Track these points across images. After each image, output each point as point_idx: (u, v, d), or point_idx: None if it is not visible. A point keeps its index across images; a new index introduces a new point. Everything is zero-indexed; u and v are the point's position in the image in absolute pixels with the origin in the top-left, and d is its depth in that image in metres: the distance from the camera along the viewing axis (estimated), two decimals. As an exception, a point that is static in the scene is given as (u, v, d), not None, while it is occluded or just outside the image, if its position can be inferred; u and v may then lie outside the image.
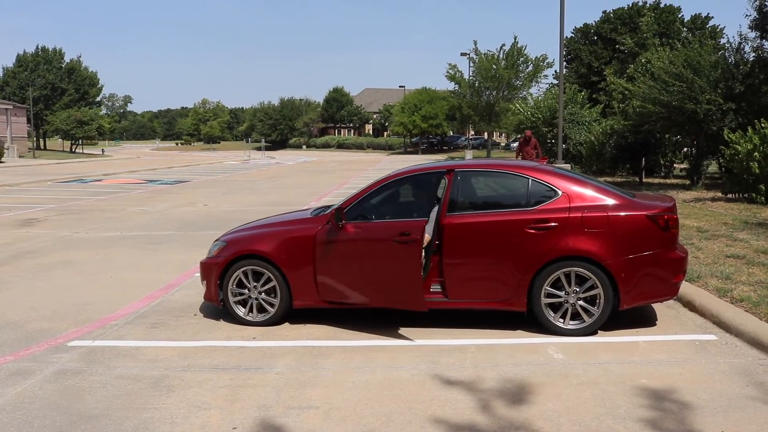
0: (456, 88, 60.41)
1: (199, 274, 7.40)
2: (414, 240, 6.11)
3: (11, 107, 63.35)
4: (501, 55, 54.82)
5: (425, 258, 6.54)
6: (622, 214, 6.32)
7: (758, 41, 21.34)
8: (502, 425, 4.43)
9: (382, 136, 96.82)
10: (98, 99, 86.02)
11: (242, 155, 69.03)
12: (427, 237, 6.53)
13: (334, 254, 6.56)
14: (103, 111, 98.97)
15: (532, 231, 6.29)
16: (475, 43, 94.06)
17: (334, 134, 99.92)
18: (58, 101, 76.30)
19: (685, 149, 26.17)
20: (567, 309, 6.31)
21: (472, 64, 55.68)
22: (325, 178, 30.75)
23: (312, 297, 6.71)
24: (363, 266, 6.44)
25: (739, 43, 21.73)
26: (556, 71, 61.83)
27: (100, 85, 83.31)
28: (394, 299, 6.37)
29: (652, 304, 7.10)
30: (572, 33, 59.50)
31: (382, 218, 6.70)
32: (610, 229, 6.24)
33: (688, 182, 22.52)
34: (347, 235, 6.53)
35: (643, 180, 24.21)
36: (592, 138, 27.72)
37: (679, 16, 53.29)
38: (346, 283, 6.56)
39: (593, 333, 6.32)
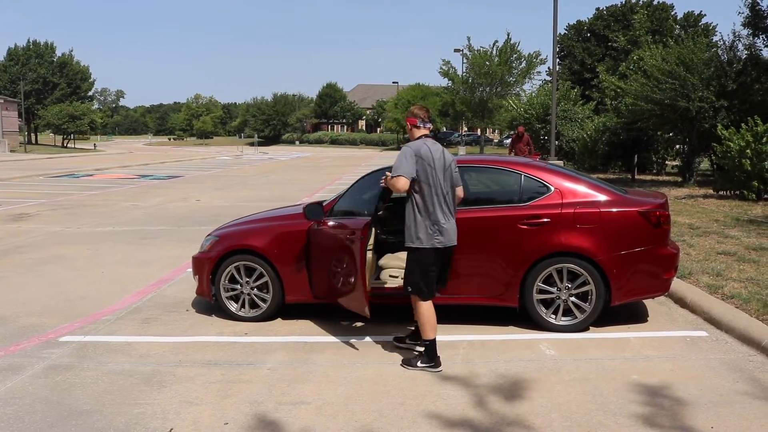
0: (449, 85, 60.31)
1: (191, 270, 7.39)
2: (359, 239, 5.85)
3: (2, 101, 63.08)
4: (494, 52, 54.73)
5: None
6: (614, 210, 6.34)
7: (751, 39, 21.42)
8: (494, 421, 4.43)
9: (375, 132, 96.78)
10: (90, 93, 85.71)
11: (235, 150, 68.93)
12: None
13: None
14: (95, 106, 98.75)
15: (525, 227, 6.30)
16: (469, 39, 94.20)
17: (327, 130, 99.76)
18: (50, 95, 75.97)
19: (677, 146, 26.26)
20: (559, 305, 6.33)
21: (465, 61, 55.57)
22: (317, 174, 30.72)
23: (304, 292, 6.70)
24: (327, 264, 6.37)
25: (732, 41, 21.79)
26: (549, 68, 62.00)
27: (92, 80, 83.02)
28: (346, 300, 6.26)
29: (644, 301, 7.12)
30: (565, 30, 59.61)
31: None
32: (602, 225, 6.25)
33: (680, 179, 22.60)
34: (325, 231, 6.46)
35: (636, 177, 24.28)
36: (585, 135, 27.78)
37: (672, 13, 53.48)
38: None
39: (585, 329, 6.33)
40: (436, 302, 6.59)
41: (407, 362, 5.50)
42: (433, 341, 5.43)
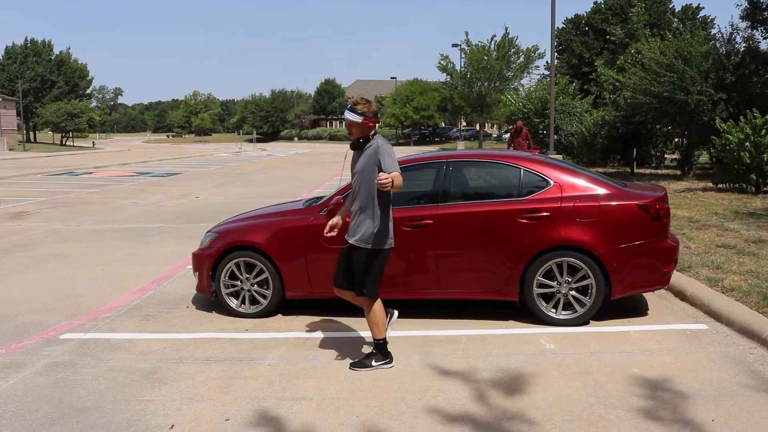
0: (448, 80, 60.33)
1: (191, 266, 7.39)
2: (428, 224, 6.35)
3: (0, 100, 63.01)
4: (492, 46, 54.79)
5: None
6: (614, 203, 6.34)
7: (749, 31, 21.44)
8: (495, 415, 4.44)
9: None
10: (88, 91, 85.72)
11: (234, 147, 68.84)
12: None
13: (328, 247, 6.55)
14: (94, 103, 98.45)
15: (524, 221, 6.30)
16: (467, 34, 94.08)
17: (326, 126, 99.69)
18: (48, 93, 75.90)
19: (676, 140, 26.27)
20: (559, 299, 6.33)
21: (463, 55, 55.59)
22: (316, 170, 30.68)
23: (304, 288, 6.70)
24: None
25: (731, 34, 21.79)
26: (547, 62, 61.91)
27: (90, 78, 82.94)
28: (411, 286, 6.50)
29: (644, 294, 7.13)
30: (563, 24, 59.45)
31: None
32: (601, 219, 6.25)
33: (679, 172, 22.61)
34: (345, 224, 6.49)
35: (635, 170, 24.28)
36: (584, 129, 27.78)
37: (670, 6, 53.29)
38: None
39: (585, 323, 6.34)
40: (435, 296, 6.63)
41: (360, 364, 5.34)
42: (385, 338, 5.38)
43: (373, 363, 5.33)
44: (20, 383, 5.12)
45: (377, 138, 5.24)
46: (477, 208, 6.46)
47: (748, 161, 15.90)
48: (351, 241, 5.25)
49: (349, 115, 5.19)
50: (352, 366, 5.35)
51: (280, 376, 5.20)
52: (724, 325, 6.21)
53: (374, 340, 5.38)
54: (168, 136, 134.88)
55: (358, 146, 5.27)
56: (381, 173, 4.95)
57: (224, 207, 15.74)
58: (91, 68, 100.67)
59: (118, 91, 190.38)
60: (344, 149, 53.63)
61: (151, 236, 11.90)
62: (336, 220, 5.49)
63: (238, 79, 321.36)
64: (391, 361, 5.38)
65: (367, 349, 5.69)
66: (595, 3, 57.88)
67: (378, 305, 5.32)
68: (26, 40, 77.91)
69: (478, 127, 69.17)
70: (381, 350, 5.38)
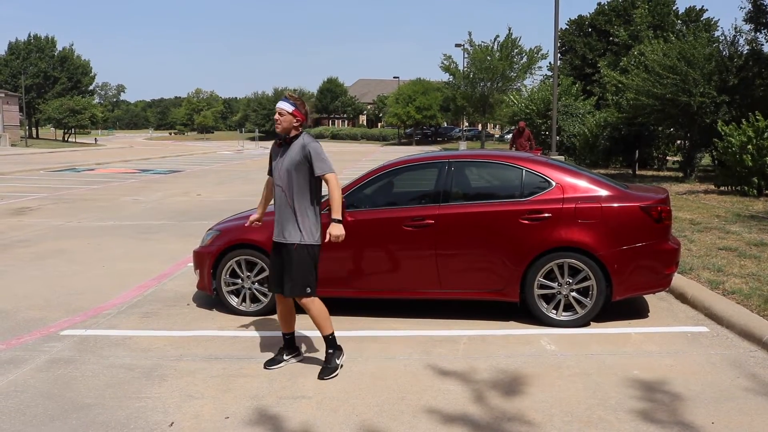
0: (450, 80, 60.26)
1: (192, 264, 7.39)
2: (429, 224, 6.36)
3: (3, 96, 63.08)
4: (495, 47, 54.72)
5: None
6: (616, 205, 6.33)
7: (753, 34, 21.41)
8: (494, 416, 4.44)
9: (376, 127, 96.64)
10: (91, 88, 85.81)
11: (236, 145, 68.87)
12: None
13: (329, 243, 6.55)
14: (96, 100, 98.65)
15: (526, 222, 6.30)
16: (470, 34, 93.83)
17: (328, 125, 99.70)
18: (51, 90, 75.96)
19: (679, 142, 26.25)
20: (560, 300, 6.33)
21: (466, 56, 55.50)
22: (318, 169, 30.60)
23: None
24: (369, 254, 6.53)
25: (734, 36, 21.77)
26: (550, 63, 61.85)
27: (92, 74, 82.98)
28: (412, 286, 6.51)
29: (645, 296, 7.13)
30: (567, 25, 59.44)
31: (375, 208, 6.66)
32: (603, 220, 6.25)
33: (681, 175, 22.57)
34: (346, 224, 6.50)
35: (637, 172, 24.27)
36: (586, 130, 27.77)
37: (674, 8, 53.25)
38: (343, 272, 6.56)
39: (586, 324, 6.34)
40: (435, 296, 6.62)
41: (328, 371, 5.15)
42: (333, 332, 5.30)
43: (338, 361, 5.24)
44: (21, 379, 5.12)
45: (304, 135, 5.22)
46: (479, 209, 6.46)
47: (750, 164, 15.88)
48: (290, 241, 5.15)
49: (281, 103, 5.16)
50: (322, 376, 5.12)
51: (280, 375, 5.21)
52: (725, 327, 6.21)
53: (326, 336, 5.25)
54: (170, 134, 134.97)
55: (285, 142, 5.23)
56: (329, 233, 5.17)
57: (226, 205, 15.74)
58: (94, 65, 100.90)
59: (120, 88, 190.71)
60: (347, 148, 53.47)
61: (152, 233, 11.91)
62: (256, 216, 5.74)
63: (241, 77, 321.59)
64: (343, 353, 5.36)
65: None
66: (598, 4, 57.86)
67: (319, 301, 5.27)
68: (29, 35, 78.01)
69: (480, 127, 69.11)
70: (335, 345, 5.28)
